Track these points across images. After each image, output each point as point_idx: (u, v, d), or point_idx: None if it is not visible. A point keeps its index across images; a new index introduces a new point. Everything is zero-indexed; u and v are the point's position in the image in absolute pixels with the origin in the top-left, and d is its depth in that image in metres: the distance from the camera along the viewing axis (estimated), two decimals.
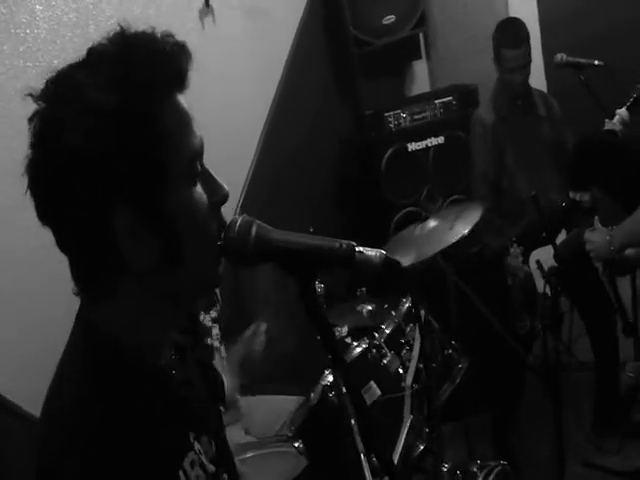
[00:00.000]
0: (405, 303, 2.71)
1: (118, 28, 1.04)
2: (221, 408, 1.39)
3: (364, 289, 2.96)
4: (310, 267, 1.13)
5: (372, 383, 2.39)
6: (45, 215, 1.06)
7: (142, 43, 1.03)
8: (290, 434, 2.36)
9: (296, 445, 2.33)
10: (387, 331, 2.59)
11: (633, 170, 2.58)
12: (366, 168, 3.96)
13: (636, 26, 4.07)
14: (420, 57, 4.44)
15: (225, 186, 1.12)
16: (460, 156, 3.90)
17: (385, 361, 2.50)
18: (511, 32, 3.65)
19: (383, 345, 2.52)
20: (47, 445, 1.04)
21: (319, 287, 2.36)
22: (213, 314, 2.40)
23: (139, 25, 1.05)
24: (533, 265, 3.46)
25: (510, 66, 3.59)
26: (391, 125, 3.88)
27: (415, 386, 2.35)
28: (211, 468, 1.20)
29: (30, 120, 1.03)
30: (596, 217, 2.68)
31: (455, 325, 2.89)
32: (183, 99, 1.07)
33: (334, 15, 4.00)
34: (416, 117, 3.93)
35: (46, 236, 1.07)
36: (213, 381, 1.36)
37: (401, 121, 3.89)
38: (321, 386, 2.37)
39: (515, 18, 3.78)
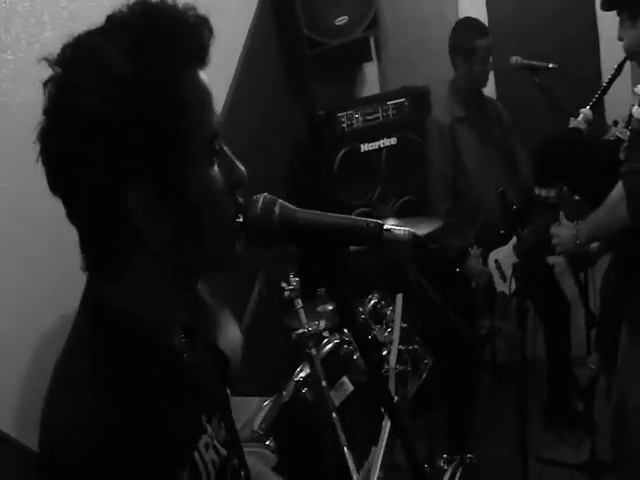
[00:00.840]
0: (370, 300, 2.74)
1: None
2: (228, 390, 1.37)
3: (323, 289, 2.96)
4: (336, 246, 1.12)
5: (345, 378, 2.41)
6: (57, 184, 1.04)
7: (164, 12, 1.01)
8: (261, 432, 2.35)
9: (267, 443, 2.33)
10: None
11: (598, 167, 2.67)
12: (318, 169, 3.96)
13: (585, 28, 4.20)
14: (371, 59, 4.48)
15: (242, 167, 1.11)
16: (412, 157, 3.95)
17: (355, 357, 2.52)
18: (477, 23, 3.80)
19: (352, 341, 2.54)
20: (56, 421, 1.02)
21: (294, 281, 2.36)
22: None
23: None
24: (492, 265, 3.56)
25: (483, 55, 3.71)
26: (344, 125, 3.90)
27: (399, 367, 2.35)
28: (223, 451, 1.19)
29: (45, 85, 1.01)
30: (561, 212, 2.76)
31: (417, 323, 2.92)
32: (204, 75, 1.05)
33: (286, 14, 3.99)
34: (369, 118, 3.95)
35: None
36: (220, 363, 1.34)
37: (354, 122, 3.91)
38: (293, 383, 2.37)
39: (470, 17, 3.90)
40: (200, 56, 1.04)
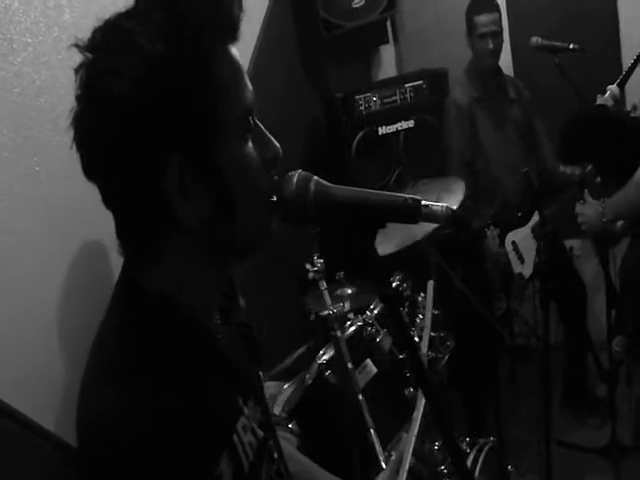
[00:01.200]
0: (392, 282, 2.73)
1: None
2: (260, 373, 1.37)
3: (342, 273, 2.94)
4: (375, 222, 1.11)
5: (368, 361, 2.40)
6: (92, 169, 1.04)
7: None
8: (284, 415, 2.35)
9: (290, 427, 2.33)
10: (376, 310, 2.60)
11: (625, 145, 2.64)
12: (336, 151, 3.94)
13: (605, 7, 4.16)
14: (387, 41, 4.45)
15: (277, 143, 1.11)
16: (430, 140, 3.93)
17: (378, 339, 2.51)
18: (482, 1, 3.77)
19: (376, 323, 2.53)
20: (96, 411, 1.01)
21: (319, 262, 2.35)
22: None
23: None
24: (509, 246, 3.55)
25: (482, 31, 3.69)
26: (361, 108, 3.87)
27: (430, 354, 2.34)
28: (260, 433, 1.19)
29: (76, 71, 1.00)
30: (586, 190, 2.73)
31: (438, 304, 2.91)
32: (236, 51, 1.05)
33: None
34: (386, 101, 3.93)
35: None
36: (252, 344, 1.34)
37: (371, 104, 3.89)
38: (317, 365, 2.37)
39: None
40: (231, 32, 1.04)
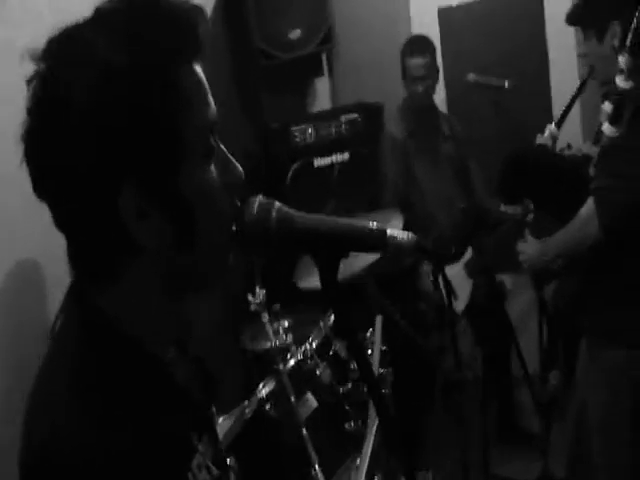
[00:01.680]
0: (331, 315, 2.71)
1: None
2: (213, 409, 1.33)
3: (278, 305, 2.91)
4: (338, 251, 1.09)
5: (309, 394, 2.38)
6: (42, 189, 0.98)
7: (155, 2, 0.97)
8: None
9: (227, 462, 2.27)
10: (315, 343, 2.58)
11: (565, 184, 2.70)
12: (270, 183, 3.94)
13: (535, 45, 4.30)
14: (323, 74, 4.49)
15: (240, 168, 1.06)
16: (365, 173, 3.96)
17: (318, 372, 2.49)
18: (415, 42, 3.88)
19: (315, 356, 2.51)
20: (39, 431, 0.95)
21: (260, 293, 2.32)
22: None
23: None
24: (441, 282, 3.58)
25: (414, 74, 3.78)
26: (297, 140, 3.88)
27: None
28: (215, 471, 1.13)
29: (29, 82, 0.94)
30: (526, 229, 2.79)
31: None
32: (200, 68, 1.00)
33: (239, 25, 3.97)
34: (322, 133, 3.95)
35: None
36: (207, 379, 1.29)
37: (307, 136, 3.90)
38: (257, 399, 2.32)
39: (421, 34, 3.97)
40: (195, 48, 0.99)
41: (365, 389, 2.34)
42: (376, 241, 1.08)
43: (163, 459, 0.97)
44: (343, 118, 4.00)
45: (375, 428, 2.02)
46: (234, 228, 1.05)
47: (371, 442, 1.93)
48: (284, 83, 4.24)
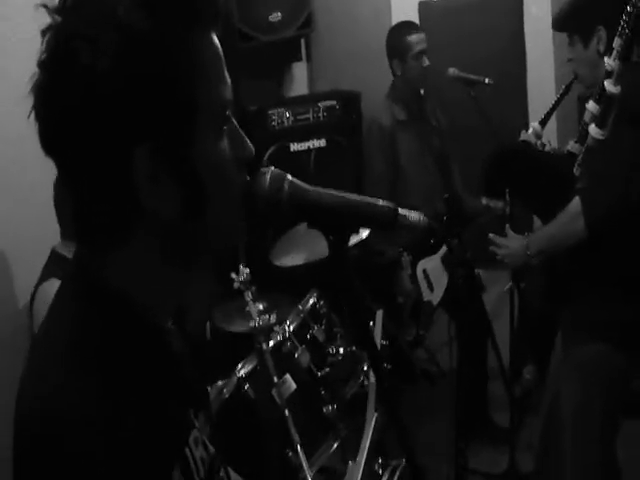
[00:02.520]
0: (310, 299, 2.71)
1: None
2: (208, 387, 1.31)
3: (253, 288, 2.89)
4: (349, 227, 1.09)
5: (288, 376, 2.36)
6: (52, 144, 0.95)
7: None
8: None
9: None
10: (293, 326, 2.57)
11: (549, 181, 2.74)
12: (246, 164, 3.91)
13: (513, 43, 4.34)
14: (300, 59, 4.47)
15: (250, 143, 1.05)
16: (340, 161, 3.97)
17: (296, 355, 2.48)
18: (408, 23, 3.93)
19: (294, 339, 2.50)
20: (38, 392, 0.93)
21: (244, 272, 2.30)
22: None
23: None
24: (420, 274, 3.61)
25: (417, 49, 3.78)
26: (274, 123, 3.87)
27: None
28: (211, 449, 1.12)
29: (43, 34, 0.92)
30: (507, 224, 2.82)
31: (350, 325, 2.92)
32: (216, 39, 0.99)
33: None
34: (299, 118, 3.95)
35: None
36: (201, 357, 1.27)
37: (284, 120, 3.90)
38: (235, 378, 2.31)
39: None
40: (213, 16, 0.98)
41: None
42: (388, 219, 1.08)
43: (162, 431, 0.96)
44: (321, 104, 4.00)
45: (372, 423, 2.02)
46: (244, 200, 1.04)
47: (369, 437, 1.92)
48: (262, 66, 4.22)
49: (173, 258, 1.02)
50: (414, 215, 1.09)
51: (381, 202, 1.09)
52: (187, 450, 1.02)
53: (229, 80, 1.00)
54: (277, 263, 2.82)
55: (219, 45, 0.99)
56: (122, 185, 0.93)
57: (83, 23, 0.90)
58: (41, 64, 0.92)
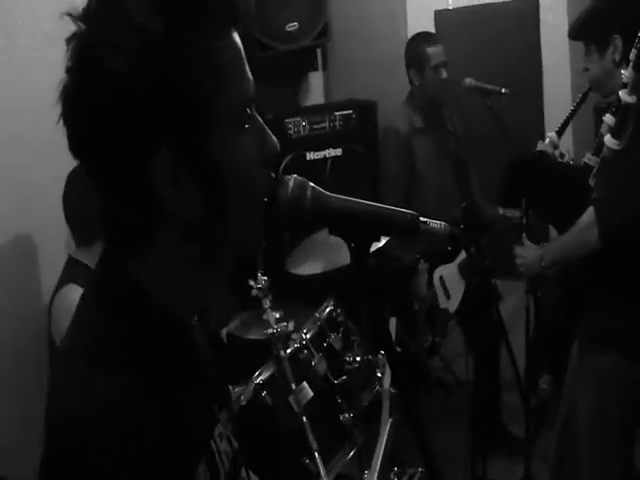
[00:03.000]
0: (327, 307, 2.73)
1: None
2: (229, 387, 1.34)
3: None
4: (371, 234, 1.11)
5: (304, 384, 2.39)
6: (79, 147, 0.99)
7: None
8: None
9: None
10: (310, 334, 2.60)
11: (565, 191, 2.75)
12: None
13: (530, 53, 4.36)
14: (317, 69, 4.51)
15: (275, 139, 1.06)
16: (357, 170, 4.00)
17: (313, 363, 2.50)
18: (428, 35, 3.97)
19: (310, 347, 2.53)
20: (66, 402, 0.95)
21: (262, 279, 2.33)
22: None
23: None
24: (436, 281, 3.63)
25: (436, 62, 3.83)
26: (291, 132, 3.91)
27: (393, 390, 2.31)
28: (235, 444, 1.15)
29: (68, 42, 0.96)
30: (524, 233, 2.83)
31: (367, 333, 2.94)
32: (238, 37, 1.00)
33: None
34: (315, 127, 3.98)
35: None
36: (223, 356, 1.30)
37: (300, 129, 3.93)
38: (253, 385, 2.33)
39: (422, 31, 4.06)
40: (233, 16, 0.99)
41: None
42: (410, 226, 1.10)
43: (189, 424, 0.99)
44: (337, 114, 4.03)
45: (387, 430, 2.04)
46: (266, 202, 1.05)
47: (384, 443, 1.94)
48: (278, 75, 4.25)
49: (196, 258, 1.04)
50: (435, 223, 1.11)
51: (402, 210, 1.11)
52: (212, 443, 1.04)
53: (251, 77, 1.02)
54: (294, 271, 2.84)
55: (239, 44, 1.00)
56: (145, 188, 0.96)
57: (105, 29, 0.93)
58: (68, 70, 0.96)
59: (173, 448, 0.93)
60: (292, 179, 1.08)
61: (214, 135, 0.97)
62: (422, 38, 3.94)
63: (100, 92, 0.93)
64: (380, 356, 2.61)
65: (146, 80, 0.91)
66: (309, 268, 2.91)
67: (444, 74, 3.85)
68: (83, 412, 0.92)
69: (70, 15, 0.96)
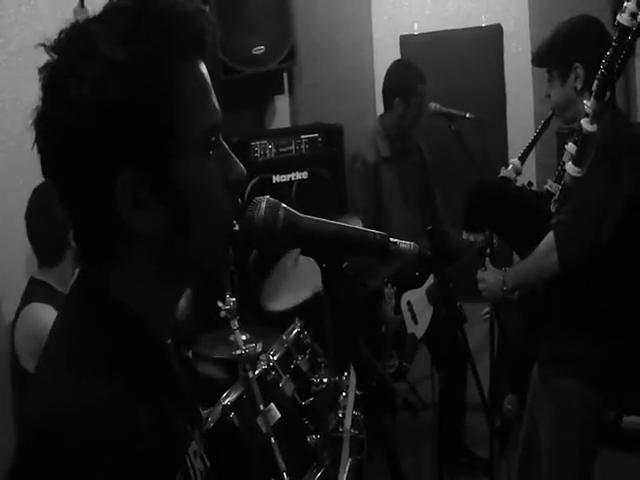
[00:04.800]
0: (293, 329, 2.79)
1: None
2: (200, 408, 1.37)
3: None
4: (342, 255, 1.16)
5: (272, 405, 2.43)
6: (48, 169, 1.06)
7: (161, 1, 1.03)
8: None
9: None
10: (277, 356, 2.65)
11: (527, 217, 2.84)
12: None
13: (494, 81, 4.51)
14: (283, 92, 4.59)
15: (241, 165, 1.11)
16: (322, 193, 4.07)
17: (281, 384, 2.56)
18: (417, 69, 4.05)
19: (278, 368, 2.58)
20: (38, 409, 0.99)
21: (231, 301, 2.39)
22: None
23: None
24: (404, 306, 3.71)
25: (421, 99, 3.94)
26: (257, 155, 3.97)
27: (353, 431, 2.35)
28: (208, 463, 1.18)
29: (40, 71, 1.03)
30: (487, 258, 2.92)
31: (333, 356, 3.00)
32: (204, 66, 1.07)
33: None
34: (282, 150, 4.05)
35: None
36: (194, 376, 1.34)
37: (267, 152, 4.00)
38: (220, 407, 2.38)
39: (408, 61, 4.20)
40: (197, 46, 1.05)
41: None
42: (379, 247, 1.15)
43: (165, 438, 1.01)
44: (303, 137, 4.11)
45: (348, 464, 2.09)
46: (236, 225, 1.10)
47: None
48: (245, 98, 4.32)
49: (166, 276, 1.09)
50: (405, 244, 1.15)
51: (373, 231, 1.16)
52: (187, 459, 1.08)
53: (216, 105, 1.07)
54: (270, 308, 2.92)
55: (204, 73, 1.06)
56: (109, 209, 1.02)
57: (71, 59, 1.00)
58: (40, 97, 1.03)
59: (152, 456, 0.96)
60: (265, 200, 1.13)
61: (177, 160, 1.02)
62: (415, 72, 4.03)
63: (66, 118, 0.99)
64: (345, 378, 2.66)
65: (109, 107, 0.98)
66: (283, 302, 2.97)
67: (422, 111, 3.96)
68: (62, 424, 0.94)
69: (44, 45, 1.03)
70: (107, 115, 0.98)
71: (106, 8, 1.04)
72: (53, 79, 1.01)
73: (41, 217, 2.67)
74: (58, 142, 1.01)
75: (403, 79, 4.02)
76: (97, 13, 1.05)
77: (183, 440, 1.10)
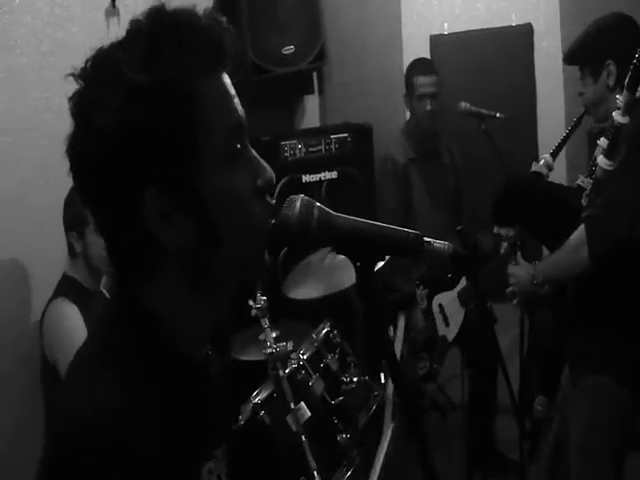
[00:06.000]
0: (323, 328, 2.82)
1: (157, 3, 1.05)
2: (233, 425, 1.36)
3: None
4: (375, 253, 1.16)
5: (302, 404, 2.46)
6: (82, 195, 1.10)
7: (178, 18, 1.04)
8: None
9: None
10: (307, 355, 2.68)
11: (558, 212, 2.84)
12: None
13: (525, 79, 4.49)
14: (313, 92, 4.61)
15: (269, 168, 1.12)
16: (351, 193, 4.07)
17: (310, 383, 2.58)
18: (423, 63, 4.06)
19: (308, 367, 2.61)
20: (67, 415, 1.01)
21: (261, 300, 2.41)
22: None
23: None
24: (435, 309, 3.72)
25: (421, 92, 3.93)
26: (286, 154, 4.00)
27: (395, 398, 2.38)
28: None
29: (69, 100, 1.06)
30: (519, 252, 2.91)
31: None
32: (225, 76, 1.08)
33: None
34: (311, 149, 4.07)
35: None
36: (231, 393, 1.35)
37: (296, 151, 4.02)
38: (251, 405, 2.40)
39: (426, 58, 4.19)
40: (216, 58, 1.06)
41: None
42: (414, 246, 1.15)
43: (184, 448, 1.04)
44: (333, 137, 4.12)
45: (389, 435, 2.10)
46: (272, 225, 1.10)
47: (385, 449, 2.01)
48: (274, 98, 4.34)
49: (200, 287, 1.10)
50: (439, 243, 1.15)
51: (407, 230, 1.16)
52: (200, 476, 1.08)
53: (240, 112, 1.08)
54: (291, 295, 2.92)
55: (227, 83, 1.07)
56: (138, 225, 1.04)
57: (95, 87, 1.03)
58: (71, 127, 1.06)
59: (164, 468, 0.97)
60: (299, 199, 1.14)
61: (202, 172, 1.04)
62: (417, 65, 4.05)
63: (92, 148, 1.03)
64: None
65: (131, 134, 1.00)
66: (306, 292, 2.98)
67: (428, 106, 3.93)
68: (89, 431, 0.96)
69: (73, 75, 1.06)
70: (130, 141, 1.01)
71: (127, 31, 1.06)
72: (79, 109, 1.05)
73: (73, 208, 2.73)
74: (87, 170, 1.05)
75: (405, 77, 4.05)
76: (119, 38, 1.06)
77: (198, 458, 1.10)
